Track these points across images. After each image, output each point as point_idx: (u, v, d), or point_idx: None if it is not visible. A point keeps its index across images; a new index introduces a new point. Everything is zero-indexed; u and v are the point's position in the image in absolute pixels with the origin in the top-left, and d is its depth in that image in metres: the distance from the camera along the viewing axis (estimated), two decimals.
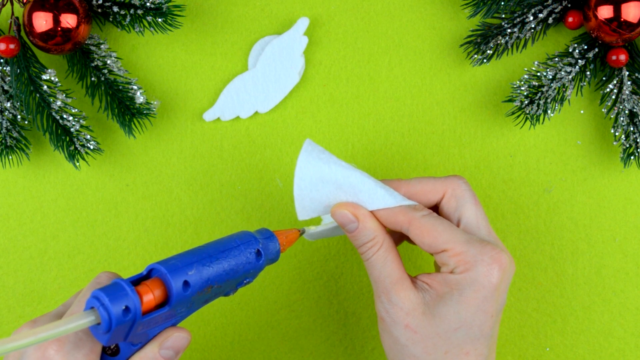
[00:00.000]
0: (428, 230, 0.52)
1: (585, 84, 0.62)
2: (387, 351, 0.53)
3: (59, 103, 0.60)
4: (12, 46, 0.59)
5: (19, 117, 0.61)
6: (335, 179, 0.53)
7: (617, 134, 0.62)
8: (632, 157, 0.61)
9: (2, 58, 0.60)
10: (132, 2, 0.59)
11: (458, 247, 0.51)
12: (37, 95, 0.60)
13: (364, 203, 0.54)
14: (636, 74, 0.61)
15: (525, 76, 0.62)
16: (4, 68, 0.61)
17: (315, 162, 0.54)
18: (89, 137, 0.61)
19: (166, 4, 0.59)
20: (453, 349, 0.51)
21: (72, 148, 0.61)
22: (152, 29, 0.60)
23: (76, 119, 0.61)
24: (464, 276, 0.50)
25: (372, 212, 0.54)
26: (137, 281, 0.46)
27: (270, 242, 0.52)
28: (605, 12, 0.59)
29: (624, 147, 0.62)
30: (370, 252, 0.53)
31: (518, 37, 0.62)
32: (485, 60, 0.62)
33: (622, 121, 0.61)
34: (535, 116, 0.61)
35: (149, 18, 0.59)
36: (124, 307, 0.44)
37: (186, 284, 0.46)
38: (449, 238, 0.51)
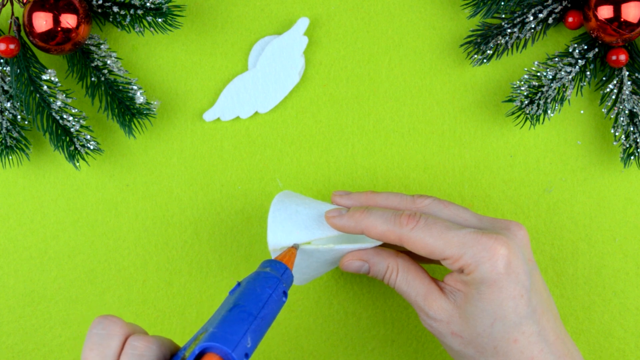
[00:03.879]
0: (420, 245, 0.52)
1: (585, 84, 0.62)
2: (454, 357, 0.55)
3: (59, 103, 0.60)
4: (12, 46, 0.59)
5: (19, 117, 0.61)
6: (308, 213, 0.56)
7: (617, 134, 0.62)
8: (632, 157, 0.61)
9: (2, 58, 0.60)
10: (132, 2, 0.59)
11: (455, 253, 0.51)
12: (37, 95, 0.60)
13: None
14: (636, 74, 0.61)
15: (525, 76, 0.62)
16: (4, 68, 0.61)
17: (289, 199, 0.57)
18: (89, 137, 0.61)
19: (166, 4, 0.59)
20: (499, 343, 0.51)
21: (72, 148, 0.61)
22: (152, 29, 0.60)
23: (76, 119, 0.61)
24: (472, 277, 0.51)
25: (365, 233, 0.54)
26: None
27: (286, 277, 0.52)
28: (605, 12, 0.59)
29: (624, 147, 0.62)
30: (391, 279, 0.55)
31: (518, 37, 0.62)
32: (485, 60, 0.62)
33: (622, 121, 0.61)
34: (535, 116, 0.61)
35: (149, 18, 0.59)
36: None
37: (246, 356, 0.46)
38: (442, 246, 0.52)
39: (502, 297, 0.51)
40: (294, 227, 0.56)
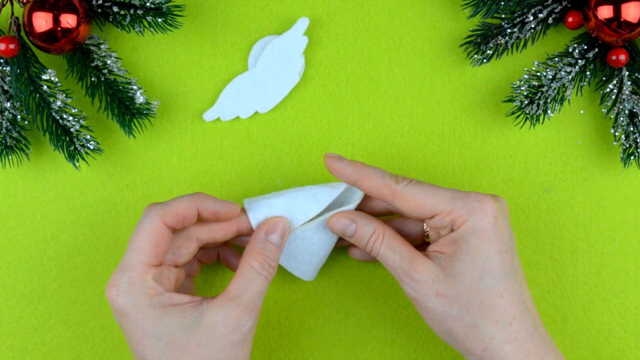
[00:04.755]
0: (413, 200, 0.55)
1: (585, 84, 0.62)
2: (432, 326, 0.55)
3: (59, 103, 0.60)
4: (12, 46, 0.59)
5: (19, 117, 0.61)
6: (283, 200, 0.58)
7: (617, 134, 0.62)
8: (632, 157, 0.61)
9: (2, 58, 0.60)
10: (132, 2, 0.59)
11: (446, 207, 0.54)
12: (37, 95, 0.60)
13: (316, 203, 0.58)
14: (636, 74, 0.61)
15: (525, 76, 0.62)
16: (4, 68, 0.61)
17: (259, 198, 0.59)
18: (89, 137, 0.61)
19: (166, 4, 0.59)
20: (486, 296, 0.53)
21: (72, 148, 0.61)
22: (152, 29, 0.60)
23: (76, 119, 0.61)
24: (463, 229, 0.53)
25: (359, 183, 0.56)
26: None
27: None
28: (605, 12, 0.59)
29: (624, 147, 0.62)
30: (376, 245, 0.56)
31: (518, 37, 0.62)
32: (485, 60, 0.62)
33: (622, 121, 0.61)
34: (535, 116, 0.61)
35: (149, 18, 0.59)
36: None
37: None
38: (434, 202, 0.54)
39: (490, 249, 0.53)
40: (274, 214, 0.58)
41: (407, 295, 0.55)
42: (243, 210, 0.58)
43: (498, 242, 0.53)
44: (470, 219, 0.53)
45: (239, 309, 0.53)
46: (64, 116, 0.60)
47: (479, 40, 0.62)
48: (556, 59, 0.62)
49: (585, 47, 0.62)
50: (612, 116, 0.62)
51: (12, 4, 0.60)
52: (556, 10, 0.61)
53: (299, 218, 0.58)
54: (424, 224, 0.59)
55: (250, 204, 0.58)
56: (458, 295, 0.53)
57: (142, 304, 0.53)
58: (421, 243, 0.60)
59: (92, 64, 0.61)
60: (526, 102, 0.61)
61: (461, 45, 0.63)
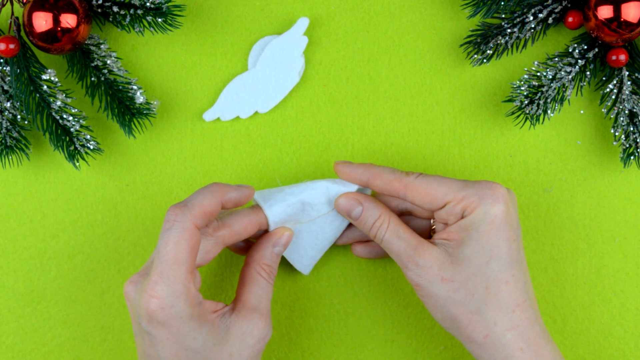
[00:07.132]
0: (425, 190, 0.55)
1: (585, 84, 0.62)
2: (434, 312, 0.55)
3: (59, 103, 0.60)
4: (12, 46, 0.59)
5: (19, 117, 0.61)
6: (297, 201, 0.58)
7: (617, 134, 0.62)
8: (632, 157, 0.61)
9: (2, 58, 0.61)
10: (132, 2, 0.59)
11: (458, 194, 0.54)
12: (37, 95, 0.60)
13: (328, 202, 0.59)
14: (636, 74, 0.61)
15: (525, 76, 0.62)
16: (4, 68, 0.61)
17: (268, 191, 0.59)
18: (89, 137, 0.61)
19: (166, 4, 0.59)
20: (492, 282, 0.53)
21: (72, 148, 0.61)
22: (152, 29, 0.60)
23: (76, 119, 0.61)
24: (474, 215, 0.54)
25: (371, 181, 0.57)
26: None
27: None
28: (605, 12, 0.59)
29: (624, 147, 0.62)
30: (381, 230, 0.56)
31: (518, 37, 0.62)
32: (485, 60, 0.62)
33: (622, 121, 0.61)
34: (535, 116, 0.61)
35: (149, 18, 0.59)
36: None
37: None
38: (446, 190, 0.55)
39: (499, 236, 0.53)
40: (290, 214, 0.58)
41: (410, 282, 0.55)
42: (260, 209, 0.58)
43: (507, 229, 0.54)
44: (481, 205, 0.54)
45: (262, 319, 0.55)
46: (64, 116, 0.60)
47: (479, 40, 0.62)
48: (556, 59, 0.62)
49: (585, 47, 0.62)
50: (612, 116, 0.62)
51: (12, 4, 0.60)
52: (556, 10, 0.61)
53: (309, 214, 0.59)
54: (431, 220, 0.59)
55: (270, 206, 0.58)
56: (464, 281, 0.53)
57: (185, 315, 0.51)
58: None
59: (92, 64, 0.61)
60: (526, 102, 0.61)
61: (461, 45, 0.63)
